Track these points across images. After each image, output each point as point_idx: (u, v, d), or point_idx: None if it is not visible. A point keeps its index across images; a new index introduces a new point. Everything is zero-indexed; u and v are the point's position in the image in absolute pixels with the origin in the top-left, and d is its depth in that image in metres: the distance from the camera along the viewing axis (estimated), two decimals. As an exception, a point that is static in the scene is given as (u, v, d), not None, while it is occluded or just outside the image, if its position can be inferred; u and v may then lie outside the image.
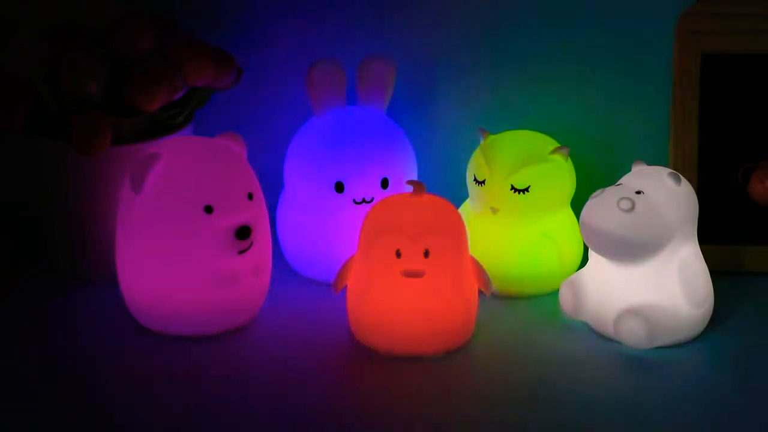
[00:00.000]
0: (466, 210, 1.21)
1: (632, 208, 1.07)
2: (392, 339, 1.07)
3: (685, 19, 1.21)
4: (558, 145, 1.19)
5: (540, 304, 1.19)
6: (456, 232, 1.08)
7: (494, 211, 1.17)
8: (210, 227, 1.08)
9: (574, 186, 1.20)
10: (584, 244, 1.15)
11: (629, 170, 1.12)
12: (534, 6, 1.25)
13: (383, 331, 1.07)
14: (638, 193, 1.09)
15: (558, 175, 1.18)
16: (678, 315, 1.09)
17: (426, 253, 1.05)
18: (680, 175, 1.10)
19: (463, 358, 1.09)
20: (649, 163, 1.12)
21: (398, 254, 1.05)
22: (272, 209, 1.20)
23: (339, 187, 1.18)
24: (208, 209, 1.08)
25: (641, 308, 1.08)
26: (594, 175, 1.24)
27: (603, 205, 1.09)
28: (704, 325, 1.12)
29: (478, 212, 1.19)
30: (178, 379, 1.06)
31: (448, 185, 1.22)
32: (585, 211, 1.10)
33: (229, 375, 1.07)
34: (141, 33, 1.16)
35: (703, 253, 1.12)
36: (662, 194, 1.09)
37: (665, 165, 1.19)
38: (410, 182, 1.08)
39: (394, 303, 1.06)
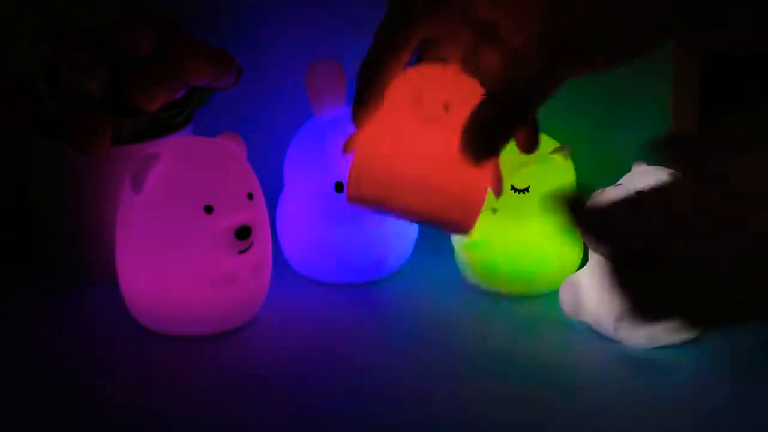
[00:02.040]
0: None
1: (632, 208, 1.07)
2: (395, 190, 0.89)
3: (685, 19, 1.21)
4: (558, 145, 1.19)
5: (540, 304, 1.19)
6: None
7: (494, 211, 1.17)
8: (210, 227, 1.08)
9: (574, 186, 1.20)
10: (584, 244, 1.15)
11: (629, 170, 1.12)
12: (534, 6, 1.25)
13: (386, 181, 0.90)
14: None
15: (558, 175, 1.18)
16: (678, 315, 1.09)
17: (446, 107, 0.89)
18: (680, 175, 1.10)
19: (462, 358, 1.09)
20: (649, 164, 1.12)
21: (418, 100, 0.90)
22: (272, 209, 1.20)
23: (339, 187, 1.18)
24: (208, 209, 1.08)
25: (641, 308, 1.08)
26: (594, 175, 1.24)
27: (603, 205, 1.08)
28: (704, 325, 1.12)
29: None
30: (178, 379, 1.06)
31: (448, 185, 1.22)
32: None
33: (229, 375, 1.07)
34: (141, 33, 1.16)
35: (703, 253, 1.12)
36: (662, 194, 1.09)
37: (665, 165, 1.19)
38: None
39: (403, 150, 0.90)
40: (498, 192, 0.94)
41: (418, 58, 0.92)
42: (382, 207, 0.90)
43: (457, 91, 0.91)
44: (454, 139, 0.89)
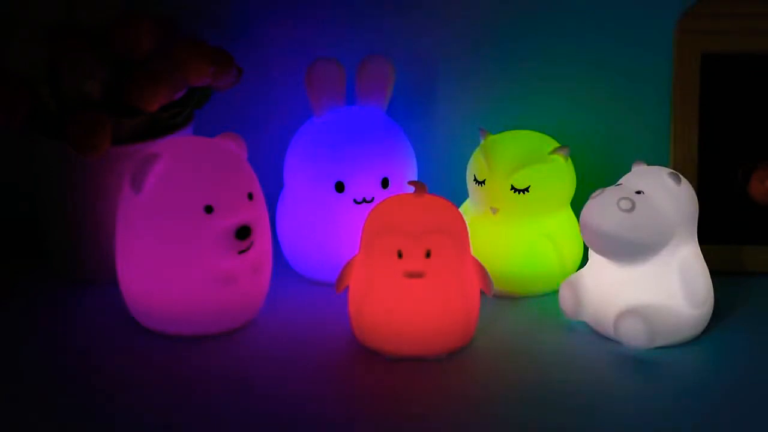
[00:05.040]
0: (466, 210, 1.21)
1: (632, 208, 1.07)
2: (394, 340, 1.07)
3: (685, 19, 1.21)
4: (558, 145, 1.19)
5: (540, 304, 1.19)
6: (458, 232, 1.08)
7: (494, 211, 1.17)
8: (210, 227, 1.08)
9: (574, 186, 1.20)
10: (584, 244, 1.15)
11: (629, 170, 1.12)
12: (534, 6, 1.25)
13: (385, 332, 1.07)
14: (638, 193, 1.09)
15: (558, 175, 1.18)
16: (678, 315, 1.09)
17: (428, 254, 1.05)
18: (680, 175, 1.10)
19: (462, 358, 1.09)
20: (649, 163, 1.13)
21: (400, 254, 1.05)
22: (272, 209, 1.20)
23: (339, 187, 1.18)
24: (208, 209, 1.08)
25: (641, 308, 1.08)
26: (594, 175, 1.24)
27: (603, 205, 1.09)
28: (704, 325, 1.12)
29: (478, 212, 1.19)
30: (178, 379, 1.06)
31: (448, 185, 1.22)
32: (585, 211, 1.10)
33: (229, 375, 1.07)
34: (141, 33, 1.16)
35: (703, 253, 1.12)
36: (662, 194, 1.09)
37: (665, 165, 1.19)
38: (412, 182, 1.08)
39: (395, 304, 1.06)
40: (490, 290, 1.10)
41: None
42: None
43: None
44: (438, 282, 1.06)
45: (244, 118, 1.30)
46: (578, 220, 1.12)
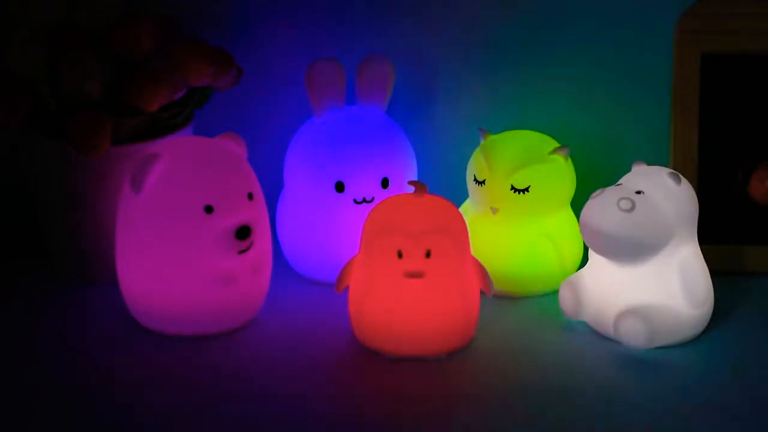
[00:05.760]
0: (466, 210, 1.21)
1: (632, 208, 1.07)
2: (394, 340, 1.07)
3: (685, 19, 1.21)
4: (558, 145, 1.19)
5: (540, 304, 1.19)
6: (458, 232, 1.07)
7: (494, 211, 1.17)
8: (210, 227, 1.08)
9: (574, 186, 1.20)
10: (584, 244, 1.16)
11: (629, 170, 1.12)
12: (534, 6, 1.25)
13: (385, 332, 1.07)
14: (638, 193, 1.09)
15: (558, 175, 1.18)
16: (678, 315, 1.09)
17: (428, 254, 1.05)
18: (680, 175, 1.10)
19: (462, 358, 1.09)
20: (649, 163, 1.13)
21: (400, 254, 1.05)
22: (272, 209, 1.20)
23: (339, 187, 1.18)
24: (208, 209, 1.08)
25: (641, 308, 1.08)
26: (594, 175, 1.24)
27: (603, 205, 1.09)
28: (704, 325, 1.12)
29: (478, 212, 1.19)
30: (178, 379, 1.06)
31: (448, 185, 1.22)
32: (585, 211, 1.10)
33: (229, 375, 1.07)
34: (141, 33, 1.16)
35: (703, 253, 1.12)
36: (662, 194, 1.09)
37: (665, 165, 1.19)
38: (412, 182, 1.08)
39: (395, 304, 1.06)
40: (490, 290, 1.10)
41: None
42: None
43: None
44: (438, 281, 1.06)
45: (244, 118, 1.30)
46: (578, 220, 1.12)
